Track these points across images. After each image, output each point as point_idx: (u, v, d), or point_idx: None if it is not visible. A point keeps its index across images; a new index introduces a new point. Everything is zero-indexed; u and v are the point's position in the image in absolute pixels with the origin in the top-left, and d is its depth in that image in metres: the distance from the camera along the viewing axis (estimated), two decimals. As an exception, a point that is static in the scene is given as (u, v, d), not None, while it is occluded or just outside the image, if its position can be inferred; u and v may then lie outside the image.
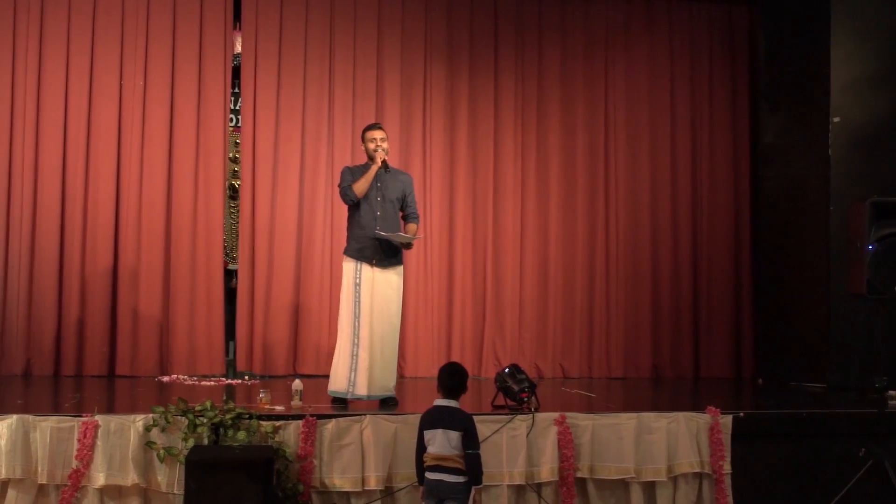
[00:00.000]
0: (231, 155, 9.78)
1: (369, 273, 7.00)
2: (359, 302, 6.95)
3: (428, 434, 5.50)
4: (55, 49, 9.33)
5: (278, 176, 9.63)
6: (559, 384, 9.32)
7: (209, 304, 9.43)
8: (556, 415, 6.55)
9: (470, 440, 5.46)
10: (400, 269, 7.16)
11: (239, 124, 9.76)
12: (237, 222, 9.67)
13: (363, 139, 7.27)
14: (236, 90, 9.77)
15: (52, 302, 9.16)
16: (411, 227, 7.23)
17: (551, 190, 10.21)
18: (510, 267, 10.06)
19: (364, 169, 7.16)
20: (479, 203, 10.08)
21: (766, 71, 10.25)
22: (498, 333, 9.99)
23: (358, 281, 6.98)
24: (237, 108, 9.81)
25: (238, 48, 9.70)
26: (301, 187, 9.64)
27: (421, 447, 5.56)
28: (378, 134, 7.21)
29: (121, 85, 9.43)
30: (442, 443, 5.44)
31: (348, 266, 7.07)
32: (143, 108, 9.42)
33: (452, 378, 5.61)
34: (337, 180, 7.46)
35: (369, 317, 6.93)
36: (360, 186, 7.05)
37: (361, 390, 6.89)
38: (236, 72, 9.71)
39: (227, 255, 9.74)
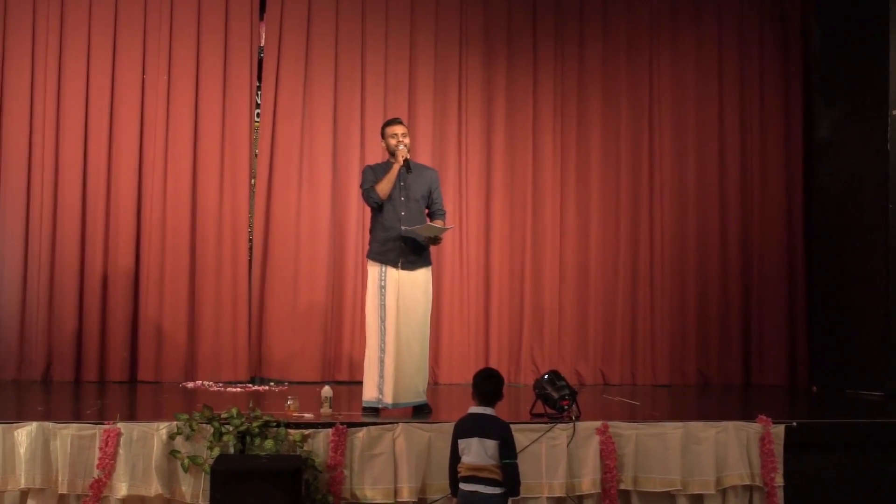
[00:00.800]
0: (257, 152, 9.81)
1: (395, 275, 6.96)
2: (384, 306, 6.92)
3: (463, 443, 5.47)
4: (75, 45, 9.41)
5: (304, 174, 9.66)
6: (601, 391, 9.28)
7: (235, 306, 9.47)
8: (598, 424, 6.51)
9: (507, 449, 5.43)
10: (427, 270, 7.12)
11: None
12: (265, 221, 9.72)
13: (383, 135, 7.22)
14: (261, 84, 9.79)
15: (73, 305, 9.23)
16: (438, 222, 7.19)
17: (592, 188, 10.18)
18: (549, 268, 10.04)
19: (386, 167, 7.13)
20: (517, 201, 10.08)
21: (820, 62, 10.15)
22: (536, 338, 9.98)
23: (383, 284, 6.95)
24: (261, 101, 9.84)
25: (263, 40, 9.73)
26: (333, 185, 9.66)
27: (455, 457, 5.52)
28: (399, 129, 7.15)
29: (143, 80, 9.50)
30: (478, 452, 5.41)
31: (373, 269, 7.04)
32: (166, 105, 9.49)
33: (487, 384, 5.57)
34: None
35: (395, 321, 6.90)
36: (383, 187, 7.00)
37: (388, 398, 6.87)
38: (262, 65, 9.74)
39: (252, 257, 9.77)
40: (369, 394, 6.93)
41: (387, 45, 9.90)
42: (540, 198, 10.10)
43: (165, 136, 9.47)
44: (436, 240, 7.06)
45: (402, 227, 6.98)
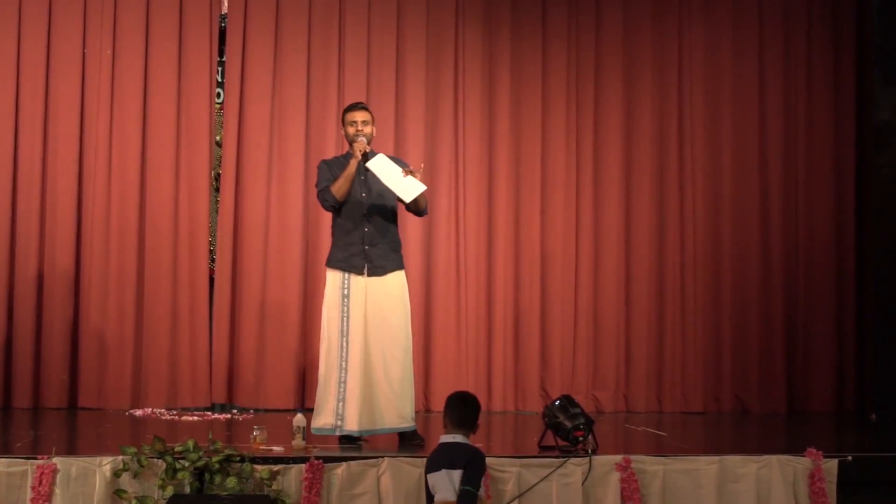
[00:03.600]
0: (219, 138, 9.80)
1: (361, 284, 6.97)
2: (347, 318, 6.92)
3: (432, 479, 5.50)
4: (4, 13, 9.39)
5: (274, 164, 9.67)
6: (622, 420, 9.31)
7: (192, 320, 9.46)
8: (618, 458, 6.51)
9: (468, 475, 5.42)
10: (400, 273, 7.13)
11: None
12: (227, 221, 9.71)
13: (342, 122, 7.23)
14: (224, 59, 9.79)
15: (1, 320, 9.22)
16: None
17: (611, 182, 10.19)
18: (561, 276, 10.05)
19: (344, 162, 7.12)
20: (524, 197, 10.09)
21: (878, 32, 10.15)
22: (546, 357, 9.98)
23: (346, 293, 6.95)
24: (223, 80, 9.84)
25: (225, 7, 9.73)
26: (306, 178, 9.65)
27: (429, 497, 5.55)
28: (358, 115, 7.14)
29: (83, 55, 9.49)
30: (446, 486, 5.42)
31: (333, 277, 7.04)
32: (111, 82, 9.48)
33: (461, 408, 5.64)
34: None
35: (362, 335, 6.89)
36: (339, 187, 6.99)
37: (351, 425, 6.85)
38: (224, 37, 9.74)
39: (214, 261, 9.76)
40: (323, 419, 6.92)
41: (370, 11, 9.90)
42: (550, 194, 10.11)
43: (110, 119, 9.45)
44: (411, 192, 6.99)
45: (366, 229, 7.02)
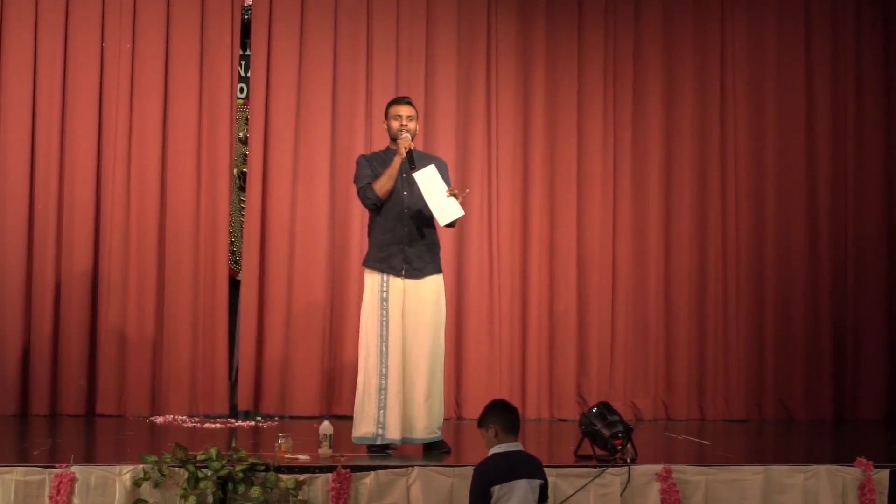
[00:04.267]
0: (241, 135, 9.81)
1: (399, 286, 6.96)
2: (386, 322, 6.92)
3: (503, 488, 5.38)
4: (17, 7, 9.42)
5: (300, 161, 9.67)
6: (662, 428, 9.29)
7: (213, 324, 9.48)
8: (658, 468, 6.51)
9: (546, 492, 5.47)
10: (438, 277, 7.12)
11: (249, 95, 9.81)
12: (249, 220, 9.72)
13: (385, 116, 7.23)
14: (247, 52, 9.81)
15: (18, 323, 9.26)
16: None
17: (651, 180, 10.18)
18: (598, 278, 10.04)
19: (385, 158, 7.12)
20: (559, 196, 10.08)
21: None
22: (583, 363, 9.98)
23: (385, 296, 6.95)
24: (248, 75, 9.85)
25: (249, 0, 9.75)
26: (332, 176, 9.67)
27: None
28: (404, 110, 7.13)
29: (102, 50, 9.51)
30: (525, 497, 5.36)
31: (371, 279, 7.03)
32: (130, 77, 9.50)
33: (515, 414, 5.59)
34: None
35: (400, 340, 6.90)
36: (383, 185, 6.98)
37: (393, 433, 6.85)
38: (247, 30, 9.76)
39: (236, 262, 9.77)
40: (364, 428, 6.92)
41: (398, 1, 9.90)
42: (587, 191, 10.09)
43: (129, 115, 9.47)
44: (453, 213, 7.00)
45: (406, 230, 7.01)
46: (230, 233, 9.68)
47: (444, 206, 6.93)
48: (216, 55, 9.62)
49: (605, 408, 6.90)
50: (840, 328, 10.31)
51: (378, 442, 6.87)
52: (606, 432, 6.73)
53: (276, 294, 9.58)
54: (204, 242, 9.50)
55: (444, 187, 6.93)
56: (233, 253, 9.77)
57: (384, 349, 6.89)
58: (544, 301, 9.97)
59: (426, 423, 6.95)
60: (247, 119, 9.82)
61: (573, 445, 7.03)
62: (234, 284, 9.71)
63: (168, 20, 9.57)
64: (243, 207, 9.82)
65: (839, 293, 10.34)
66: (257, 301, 9.56)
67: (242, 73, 9.84)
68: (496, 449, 5.52)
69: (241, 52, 9.76)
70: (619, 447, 6.67)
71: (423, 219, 7.06)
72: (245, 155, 9.86)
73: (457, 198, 6.94)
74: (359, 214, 9.59)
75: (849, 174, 10.40)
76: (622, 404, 9.65)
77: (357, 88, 9.78)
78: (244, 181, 9.80)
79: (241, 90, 9.84)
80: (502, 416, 5.54)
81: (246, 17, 9.74)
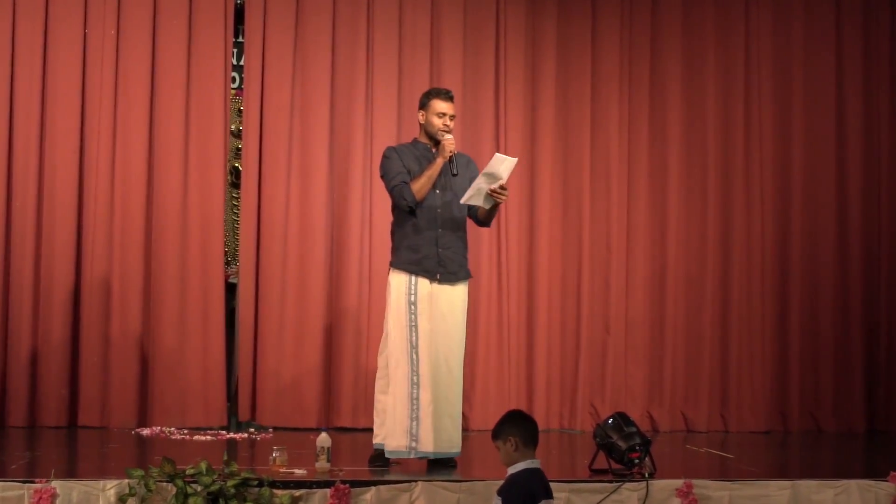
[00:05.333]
0: (234, 128, 9.80)
1: (427, 290, 6.92)
2: (415, 327, 6.87)
3: None
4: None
5: (294, 155, 9.65)
6: (682, 440, 9.31)
7: (205, 329, 9.47)
8: (678, 482, 6.50)
9: None
10: (467, 284, 7.12)
11: (242, 86, 9.78)
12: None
13: (424, 108, 7.10)
14: (240, 39, 9.80)
15: (-6, 326, 9.27)
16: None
17: (670, 174, 10.20)
18: (614, 280, 10.06)
19: (418, 153, 7.07)
20: (571, 192, 10.10)
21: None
22: (597, 370, 9.99)
23: (413, 300, 6.90)
24: (241, 63, 9.84)
25: (244, -19, 9.76)
26: (331, 170, 9.67)
27: None
28: (450, 108, 7.05)
29: (85, 35, 9.49)
30: None
31: (398, 280, 6.98)
32: (114, 66, 9.48)
33: (534, 425, 5.49)
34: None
35: (430, 346, 6.86)
36: (422, 187, 6.91)
37: (427, 446, 6.81)
38: (240, 16, 9.75)
39: (230, 263, 9.76)
40: (396, 441, 6.86)
41: (401, -13, 9.92)
42: (601, 187, 10.11)
43: (114, 106, 9.46)
44: (494, 209, 7.00)
45: (439, 228, 6.96)
46: (224, 231, 9.64)
47: (481, 192, 6.85)
48: (207, 42, 9.59)
49: (622, 418, 6.91)
50: (872, 332, 10.33)
51: (412, 456, 6.83)
52: (623, 445, 6.73)
53: (271, 297, 9.58)
54: (195, 243, 9.48)
55: (502, 181, 6.84)
56: (226, 254, 9.75)
57: (415, 356, 6.84)
58: (555, 305, 9.99)
59: (453, 434, 6.93)
60: (240, 110, 9.80)
61: (587, 459, 7.01)
62: (227, 288, 9.69)
63: (155, 5, 9.55)
64: (235, 205, 9.81)
65: (871, 295, 10.37)
66: (253, 305, 9.56)
67: (235, 62, 9.81)
68: (526, 465, 5.43)
69: (234, 40, 9.72)
70: (637, 461, 6.67)
71: (456, 221, 7.04)
72: (238, 149, 9.85)
73: (497, 197, 6.88)
74: (357, 209, 9.62)
75: (882, 167, 10.44)
76: (639, 415, 9.65)
77: (356, 78, 9.77)
78: (237, 177, 9.79)
79: (234, 80, 9.81)
80: (522, 427, 5.42)
81: (239, 1, 9.72)
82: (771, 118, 10.31)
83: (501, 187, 6.82)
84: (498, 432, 5.45)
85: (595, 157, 10.10)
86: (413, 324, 6.87)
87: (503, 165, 6.78)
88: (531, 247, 10.01)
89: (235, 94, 9.85)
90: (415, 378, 6.84)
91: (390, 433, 6.89)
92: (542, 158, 10.02)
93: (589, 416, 9.77)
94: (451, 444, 6.92)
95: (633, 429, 6.81)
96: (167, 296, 9.43)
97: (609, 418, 6.96)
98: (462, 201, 6.89)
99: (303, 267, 9.61)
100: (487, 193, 6.82)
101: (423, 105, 7.09)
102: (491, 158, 6.77)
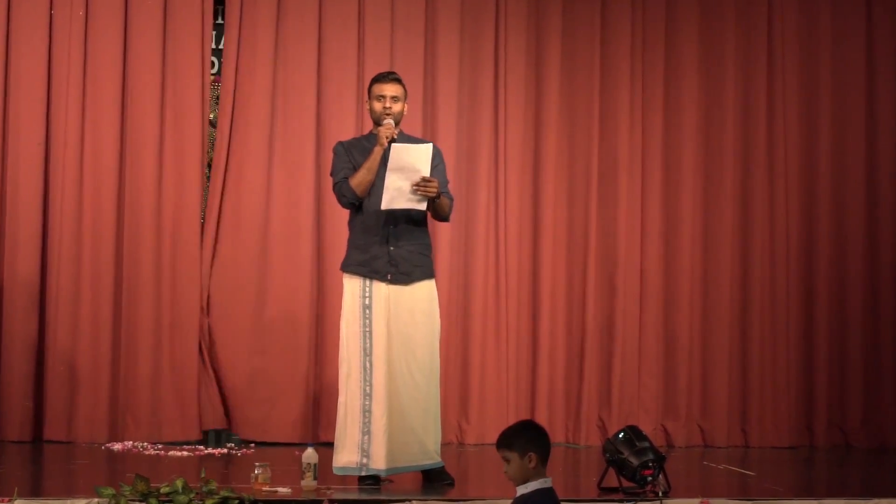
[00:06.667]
0: (213, 117, 9.77)
1: (383, 292, 6.93)
2: (369, 333, 6.88)
3: None
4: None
5: (276, 147, 9.64)
6: (699, 456, 9.33)
7: (181, 335, 9.44)
8: (695, 502, 6.51)
9: None
10: (430, 283, 7.11)
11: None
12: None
13: (368, 95, 7.18)
14: (219, 21, 9.77)
15: (-49, 333, 9.25)
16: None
17: (685, 170, 10.20)
18: (624, 282, 10.05)
19: (367, 146, 7.08)
20: (577, 190, 10.10)
21: None
22: (604, 380, 9.99)
23: (367, 303, 6.92)
24: (220, 47, 9.81)
25: (221, -41, 9.75)
26: (317, 165, 9.63)
27: None
28: (389, 88, 7.06)
29: (51, 17, 9.47)
30: None
31: (351, 284, 7.01)
32: (83, 49, 9.44)
33: (549, 441, 5.37)
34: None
35: (385, 354, 6.85)
36: (361, 180, 6.93)
37: (378, 463, 6.81)
38: (219, -5, 9.76)
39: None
40: (346, 457, 6.90)
41: (394, -33, 9.92)
42: (609, 183, 10.10)
43: (82, 93, 9.43)
44: (434, 200, 6.93)
45: (393, 227, 6.96)
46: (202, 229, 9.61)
47: (402, 191, 6.83)
48: (184, 23, 9.54)
49: (633, 433, 6.92)
50: (909, 342, 10.32)
51: (362, 473, 6.84)
52: (635, 461, 6.74)
53: (250, 303, 9.55)
54: (168, 242, 9.45)
55: (421, 174, 6.83)
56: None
57: (367, 364, 6.86)
58: (559, 310, 9.99)
59: (422, 447, 6.92)
60: (219, 98, 9.78)
61: (595, 476, 7.04)
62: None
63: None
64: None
65: (903, 300, 10.36)
66: (231, 310, 9.54)
67: (215, 46, 9.77)
68: (539, 484, 5.35)
69: (213, 21, 9.68)
70: (650, 478, 6.67)
71: (411, 216, 7.01)
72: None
73: (427, 193, 6.86)
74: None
75: (917, 162, 10.43)
76: (652, 428, 9.66)
77: (347, 65, 9.75)
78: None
79: (213, 65, 9.78)
80: (541, 442, 5.20)
81: (218, -21, 9.72)
82: (796, 106, 10.31)
83: (426, 180, 6.82)
84: (513, 443, 5.18)
85: (603, 150, 10.09)
86: (367, 329, 6.89)
87: (410, 156, 6.80)
88: (533, 247, 10.01)
89: (215, 81, 9.81)
90: (367, 388, 6.86)
91: (340, 447, 6.92)
92: (545, 152, 10.02)
93: (596, 430, 9.78)
94: (424, 456, 6.92)
95: (646, 444, 6.82)
96: (140, 299, 9.40)
97: (619, 432, 6.97)
98: (382, 207, 6.86)
99: (287, 270, 9.59)
100: (414, 191, 6.81)
101: (368, 92, 7.17)
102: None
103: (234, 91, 9.61)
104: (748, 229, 10.20)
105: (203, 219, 9.59)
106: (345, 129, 9.58)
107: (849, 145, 10.36)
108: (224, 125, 9.59)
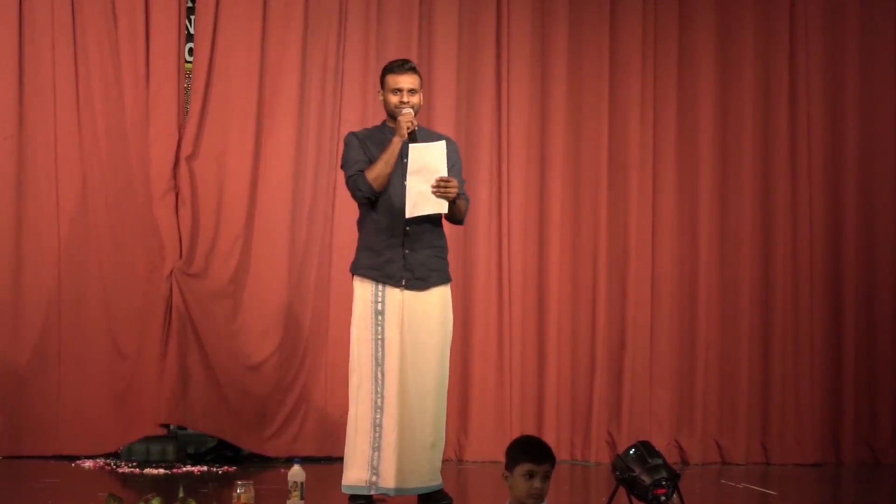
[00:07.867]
0: (188, 107, 9.74)
1: (397, 298, 6.92)
2: (382, 341, 6.87)
3: None
4: None
5: (257, 135, 9.55)
6: (716, 474, 9.33)
7: (157, 336, 9.29)
8: (713, 523, 6.47)
9: None
10: (445, 288, 7.10)
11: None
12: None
13: (381, 85, 7.15)
14: (191, 3, 9.72)
15: None
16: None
17: (702, 167, 10.21)
18: (635, 288, 10.07)
19: (382, 138, 7.05)
20: (585, 187, 10.10)
21: None
22: (614, 393, 9.98)
23: (380, 309, 6.91)
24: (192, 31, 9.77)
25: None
26: (298, 156, 9.59)
27: None
28: (406, 80, 7.02)
29: (20, 2, 9.44)
30: None
31: (363, 289, 6.99)
32: (51, 39, 9.42)
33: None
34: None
35: (398, 363, 6.84)
36: (379, 173, 6.89)
37: (388, 482, 6.79)
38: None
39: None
40: (356, 475, 6.86)
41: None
42: (620, 181, 10.12)
43: (53, 87, 9.39)
44: (452, 205, 6.92)
45: (407, 226, 6.93)
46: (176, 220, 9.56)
47: (424, 196, 6.84)
48: (157, 5, 9.49)
49: (645, 449, 6.86)
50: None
51: (372, 492, 6.82)
52: (647, 479, 6.68)
53: (224, 305, 9.50)
54: (140, 241, 9.40)
55: (439, 174, 6.83)
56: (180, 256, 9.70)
57: (380, 374, 6.85)
58: (565, 316, 9.99)
59: (430, 467, 6.91)
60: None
61: (605, 496, 7.01)
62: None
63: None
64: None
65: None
66: (205, 311, 9.48)
67: (191, 30, 9.73)
68: None
69: (187, 4, 9.66)
70: (663, 498, 6.61)
71: (427, 217, 6.98)
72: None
73: (446, 194, 6.85)
74: (323, 200, 9.61)
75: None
76: (665, 444, 9.65)
77: (329, 49, 9.67)
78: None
79: (191, 52, 9.75)
80: (547, 459, 5.19)
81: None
82: (820, 97, 10.32)
83: (444, 180, 6.81)
84: (545, 459, 5.15)
85: (613, 143, 10.10)
86: (379, 336, 6.88)
87: (426, 156, 6.83)
88: (539, 249, 10.00)
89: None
90: (378, 400, 6.84)
91: (349, 464, 6.89)
92: (551, 145, 10.02)
93: (605, 446, 9.78)
94: (432, 476, 6.91)
95: (659, 461, 6.75)
96: (106, 292, 9.35)
97: (630, 449, 6.90)
98: (408, 216, 6.86)
99: (265, 273, 9.53)
100: (434, 193, 6.81)
101: (381, 82, 7.14)
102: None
103: (208, 78, 9.54)
104: (769, 229, 10.20)
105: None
106: (326, 117, 9.59)
107: (877, 139, 10.37)
108: (194, 112, 9.51)
